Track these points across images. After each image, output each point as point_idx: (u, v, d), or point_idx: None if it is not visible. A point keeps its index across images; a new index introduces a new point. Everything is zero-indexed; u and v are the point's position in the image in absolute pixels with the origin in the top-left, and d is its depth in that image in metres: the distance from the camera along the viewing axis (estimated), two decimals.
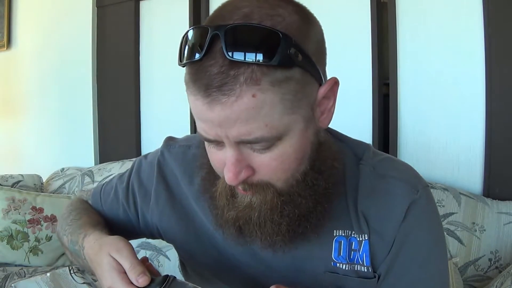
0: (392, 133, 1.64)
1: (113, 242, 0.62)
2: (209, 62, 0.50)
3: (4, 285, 1.61)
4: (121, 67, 2.29)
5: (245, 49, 0.48)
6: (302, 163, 0.57)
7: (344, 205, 0.65)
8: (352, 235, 0.64)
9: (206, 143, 0.58)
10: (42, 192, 2.12)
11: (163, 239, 0.79)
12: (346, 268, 0.64)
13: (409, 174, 0.67)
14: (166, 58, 2.11)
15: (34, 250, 1.84)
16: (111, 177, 0.87)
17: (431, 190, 0.68)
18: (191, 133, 2.04)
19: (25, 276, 1.66)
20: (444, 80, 1.54)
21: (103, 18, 2.35)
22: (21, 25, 2.67)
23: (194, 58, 0.50)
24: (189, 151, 0.74)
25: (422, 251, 0.63)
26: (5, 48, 2.70)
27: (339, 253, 0.64)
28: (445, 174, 1.54)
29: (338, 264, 0.64)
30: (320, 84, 0.55)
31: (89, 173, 2.13)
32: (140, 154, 2.24)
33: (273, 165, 0.55)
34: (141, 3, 2.25)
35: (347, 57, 1.70)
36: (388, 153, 1.48)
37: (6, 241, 1.82)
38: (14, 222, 1.84)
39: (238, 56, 0.48)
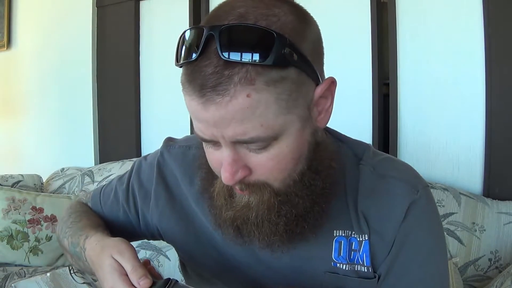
0: (392, 133, 1.64)
1: (115, 244, 0.62)
2: (204, 63, 0.50)
3: (4, 285, 1.61)
4: (121, 67, 2.29)
5: (239, 49, 0.48)
6: (299, 163, 0.57)
7: (344, 205, 0.65)
8: (352, 235, 0.64)
9: (203, 143, 0.58)
10: (42, 192, 2.12)
11: (163, 240, 0.79)
12: (346, 268, 0.64)
13: (409, 174, 0.66)
14: (166, 58, 2.11)
15: (34, 250, 1.84)
16: (110, 179, 0.87)
17: (431, 190, 0.68)
18: (191, 133, 2.04)
19: (25, 276, 1.66)
20: (444, 80, 1.54)
21: (103, 18, 2.35)
22: (21, 25, 2.67)
23: (190, 58, 0.51)
24: (189, 152, 0.74)
25: (422, 251, 0.63)
26: (5, 48, 2.70)
27: (339, 253, 0.64)
28: (445, 174, 1.54)
29: (338, 265, 0.64)
30: (317, 84, 0.55)
31: (89, 173, 2.13)
32: (140, 154, 2.24)
33: (270, 165, 0.55)
34: (141, 3, 2.25)
35: (347, 57, 1.70)
36: (388, 153, 1.48)
37: (6, 241, 1.82)
38: (14, 222, 1.84)
39: (233, 56, 0.48)
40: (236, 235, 0.62)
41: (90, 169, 2.17)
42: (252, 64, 0.48)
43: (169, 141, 0.78)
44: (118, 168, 2.03)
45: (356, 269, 0.64)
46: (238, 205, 0.59)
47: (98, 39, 2.36)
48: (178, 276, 1.62)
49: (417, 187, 0.64)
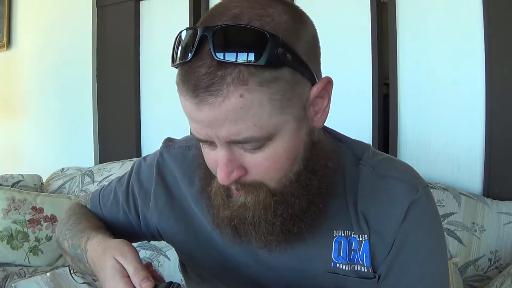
0: (392, 133, 1.64)
1: (118, 246, 0.62)
2: (197, 63, 0.50)
3: (4, 285, 1.61)
4: (121, 67, 2.29)
5: (232, 50, 0.49)
6: (295, 163, 0.57)
7: (343, 205, 0.65)
8: (352, 235, 0.64)
9: (200, 143, 0.58)
10: (42, 192, 2.12)
11: (164, 240, 0.79)
12: (346, 269, 0.64)
13: (409, 174, 0.66)
14: (166, 58, 2.08)
15: (34, 250, 1.84)
16: (110, 179, 0.87)
17: (431, 190, 0.68)
18: (190, 133, 2.03)
19: (25, 276, 1.66)
20: (444, 80, 1.54)
21: (103, 18, 2.35)
22: (21, 25, 2.67)
23: (184, 59, 0.51)
24: (188, 152, 0.74)
25: (422, 251, 0.63)
26: (5, 48, 2.70)
27: (339, 253, 0.64)
28: (445, 174, 1.54)
29: (338, 265, 0.64)
30: (313, 84, 0.55)
31: (89, 173, 2.13)
32: (140, 154, 2.24)
33: (265, 165, 0.55)
34: (141, 3, 2.25)
35: (347, 57, 1.70)
36: (388, 153, 1.48)
37: (6, 241, 1.82)
38: (14, 222, 1.84)
39: (225, 56, 0.48)
40: (234, 235, 0.62)
41: (90, 169, 2.17)
42: (245, 64, 0.49)
43: (169, 142, 0.78)
44: (118, 168, 2.03)
45: (356, 269, 0.64)
46: (235, 205, 0.59)
47: (98, 39, 2.36)
48: (178, 276, 1.62)
49: (417, 187, 0.64)
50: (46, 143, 2.60)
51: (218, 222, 0.63)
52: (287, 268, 0.67)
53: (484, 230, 1.32)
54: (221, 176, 0.54)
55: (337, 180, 0.64)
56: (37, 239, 1.85)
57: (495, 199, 1.40)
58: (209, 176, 0.63)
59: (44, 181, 2.24)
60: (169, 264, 1.67)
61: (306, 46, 0.54)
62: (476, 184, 1.50)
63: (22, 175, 2.14)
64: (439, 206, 1.36)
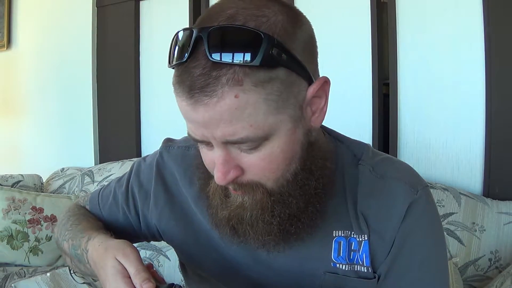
0: (392, 133, 1.64)
1: (120, 246, 0.62)
2: (193, 64, 0.50)
3: (4, 285, 1.61)
4: (121, 67, 2.29)
5: (226, 50, 0.49)
6: (292, 163, 0.57)
7: (343, 205, 0.65)
8: (352, 236, 0.64)
9: (197, 143, 0.58)
10: (42, 192, 2.12)
11: (164, 241, 0.79)
12: (346, 269, 0.64)
13: (409, 174, 0.66)
14: (166, 58, 2.10)
15: (34, 250, 1.84)
16: (110, 179, 0.87)
17: (431, 190, 0.68)
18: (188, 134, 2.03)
19: (25, 276, 1.66)
20: (444, 80, 1.54)
21: (103, 18, 2.35)
22: (21, 25, 2.67)
23: (180, 60, 0.51)
24: (188, 152, 0.74)
25: (422, 251, 0.63)
26: (5, 48, 2.70)
27: (338, 253, 0.64)
28: (445, 174, 1.54)
29: (337, 265, 0.64)
30: (310, 84, 0.55)
31: (89, 173, 2.13)
32: (140, 155, 2.24)
33: (262, 165, 0.55)
34: (141, 3, 2.25)
35: (347, 57, 1.70)
36: (388, 153, 1.48)
37: (6, 241, 1.82)
38: (14, 222, 1.84)
39: (220, 57, 0.49)
40: (232, 235, 0.62)
41: (90, 169, 2.17)
42: (240, 65, 0.49)
43: (168, 142, 0.78)
44: (118, 168, 2.03)
45: (355, 270, 0.64)
46: (232, 205, 0.60)
47: (98, 39, 2.36)
48: (178, 276, 1.62)
49: (417, 187, 0.64)
50: (46, 143, 2.60)
51: (217, 222, 0.63)
52: (287, 268, 0.67)
53: (484, 230, 1.32)
54: (218, 176, 0.55)
55: (336, 180, 0.64)
56: (37, 239, 1.85)
57: (495, 199, 1.40)
58: (208, 176, 0.63)
59: (44, 181, 2.24)
60: (169, 264, 1.67)
61: (302, 46, 0.54)
62: (476, 184, 1.50)
63: (22, 175, 2.14)
64: (439, 206, 1.36)
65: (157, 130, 2.22)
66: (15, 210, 1.86)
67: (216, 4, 0.55)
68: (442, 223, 1.33)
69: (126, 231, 0.79)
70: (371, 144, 1.36)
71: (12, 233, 1.83)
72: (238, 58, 0.49)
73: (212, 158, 0.56)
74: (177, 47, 0.53)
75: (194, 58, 0.50)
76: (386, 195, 0.64)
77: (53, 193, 2.13)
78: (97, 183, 2.04)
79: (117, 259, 0.60)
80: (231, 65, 0.49)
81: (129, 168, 0.82)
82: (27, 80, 2.65)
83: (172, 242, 0.77)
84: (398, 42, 1.62)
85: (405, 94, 1.62)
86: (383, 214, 0.63)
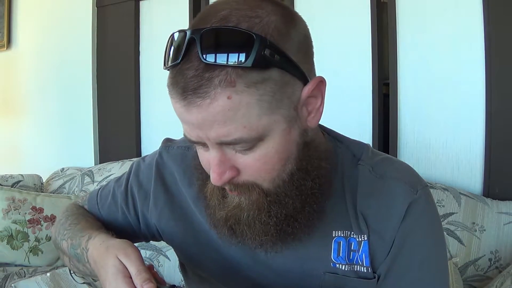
0: (392, 133, 1.64)
1: (122, 246, 0.62)
2: (186, 66, 0.51)
3: (4, 285, 1.61)
4: (121, 67, 2.29)
5: (218, 52, 0.49)
6: (288, 163, 0.57)
7: (343, 205, 0.65)
8: (351, 236, 0.64)
9: (194, 144, 0.58)
10: (42, 192, 2.12)
11: (163, 241, 0.79)
12: (346, 269, 0.64)
13: (408, 174, 0.66)
14: None
15: (34, 250, 1.84)
16: (110, 179, 0.86)
17: (431, 190, 0.68)
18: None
19: (25, 276, 1.66)
20: (444, 80, 1.54)
21: (103, 18, 2.35)
22: (21, 25, 2.67)
23: (174, 62, 0.52)
24: (188, 152, 0.74)
25: (422, 251, 0.63)
26: (5, 48, 2.70)
27: (338, 253, 0.64)
28: (445, 174, 1.54)
29: (337, 265, 0.64)
30: (305, 84, 0.55)
31: (89, 173, 2.13)
32: (140, 154, 2.24)
33: (257, 165, 0.55)
34: (141, 3, 2.25)
35: (347, 57, 1.70)
36: (388, 153, 1.48)
37: (6, 241, 1.82)
38: (14, 222, 1.84)
39: (213, 58, 0.49)
40: (230, 235, 0.62)
41: (90, 169, 2.17)
42: (232, 66, 0.49)
43: (168, 142, 0.78)
44: (118, 168, 2.03)
45: (355, 270, 0.64)
46: (230, 205, 0.60)
47: (98, 39, 2.36)
48: (178, 276, 1.62)
49: (416, 187, 0.64)
50: (46, 143, 2.60)
51: (215, 222, 0.63)
52: (286, 268, 0.67)
53: (484, 230, 1.32)
54: (214, 177, 0.55)
55: (336, 180, 0.64)
56: (37, 239, 1.85)
57: (495, 199, 1.40)
58: (206, 176, 0.63)
59: (44, 181, 2.24)
60: (169, 264, 1.67)
61: (297, 46, 0.54)
62: (476, 184, 1.50)
63: (22, 175, 2.14)
64: (439, 206, 1.36)
65: (157, 130, 2.22)
66: (15, 210, 1.86)
67: (210, 5, 0.56)
68: (442, 223, 1.33)
69: (125, 231, 0.78)
70: (371, 144, 1.36)
71: (12, 233, 1.83)
72: (231, 59, 0.49)
73: (208, 158, 0.57)
74: (172, 49, 0.53)
75: (187, 60, 0.51)
76: (386, 195, 0.64)
77: (53, 193, 2.13)
78: (97, 183, 2.04)
79: (118, 258, 0.60)
80: (224, 66, 0.49)
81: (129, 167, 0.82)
82: (27, 80, 2.65)
83: (172, 242, 0.77)
84: (398, 42, 1.62)
85: (405, 94, 1.62)
86: (383, 214, 0.63)
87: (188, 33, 0.51)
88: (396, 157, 1.59)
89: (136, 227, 0.78)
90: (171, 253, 1.66)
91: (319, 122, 0.63)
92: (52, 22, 2.52)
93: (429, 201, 0.65)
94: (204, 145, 0.56)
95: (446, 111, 1.54)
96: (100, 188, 0.84)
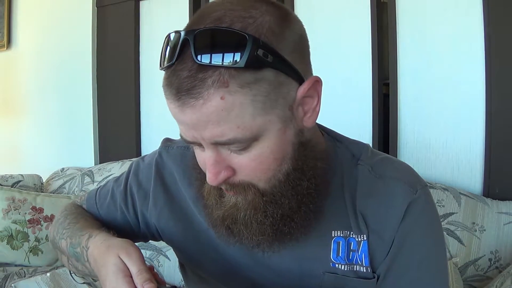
0: (392, 133, 1.64)
1: (123, 245, 0.62)
2: (180, 66, 0.51)
3: (4, 285, 1.61)
4: (121, 67, 2.29)
5: (212, 52, 0.49)
6: (283, 163, 0.57)
7: (342, 205, 0.64)
8: (351, 236, 0.64)
9: (190, 144, 0.59)
10: (42, 192, 2.12)
11: (163, 240, 0.79)
12: (345, 269, 0.64)
13: (408, 174, 0.66)
14: None
15: (34, 250, 1.84)
16: (106, 180, 0.86)
17: (431, 190, 0.68)
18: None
19: (25, 276, 1.66)
20: (444, 80, 1.54)
21: (103, 18, 2.35)
22: (21, 25, 2.67)
23: (168, 63, 0.52)
24: (187, 152, 0.74)
25: (422, 251, 0.63)
26: (5, 48, 2.70)
27: (337, 253, 0.64)
28: (445, 174, 1.54)
29: (337, 265, 0.64)
30: (301, 84, 0.55)
31: (89, 173, 2.13)
32: (140, 154, 2.24)
33: (252, 165, 0.55)
34: (141, 3, 2.25)
35: (347, 57, 1.70)
36: (388, 153, 1.48)
37: (6, 241, 1.82)
38: (14, 222, 1.84)
39: (206, 59, 0.49)
40: (228, 235, 0.62)
41: (90, 169, 2.17)
42: (225, 67, 0.49)
43: (167, 142, 0.78)
44: (118, 168, 2.03)
45: (355, 270, 0.64)
46: (226, 205, 0.60)
47: (98, 39, 2.36)
48: (178, 276, 1.62)
49: (416, 187, 0.64)
50: (46, 143, 2.60)
51: (212, 222, 0.63)
52: (286, 268, 0.67)
53: (484, 230, 1.32)
54: (209, 177, 0.55)
55: (335, 180, 0.64)
56: (37, 239, 1.85)
57: (495, 199, 1.40)
58: (204, 176, 0.63)
59: (44, 181, 2.24)
60: (169, 264, 1.67)
61: (292, 46, 0.54)
62: (476, 184, 1.50)
63: (22, 175, 2.14)
64: (439, 206, 1.36)
65: (157, 130, 2.22)
66: (15, 210, 1.86)
67: (205, 6, 0.56)
68: (442, 223, 1.33)
69: (124, 231, 0.78)
70: (371, 144, 1.36)
71: (12, 233, 1.83)
72: (224, 60, 0.49)
73: (204, 158, 0.57)
74: (167, 50, 0.53)
75: (181, 60, 0.51)
76: (385, 195, 0.64)
77: (53, 193, 2.13)
78: (97, 183, 2.04)
79: (119, 257, 0.60)
80: (217, 67, 0.49)
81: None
82: (27, 80, 2.65)
83: (171, 242, 0.77)
84: (398, 42, 1.62)
85: (405, 94, 1.62)
86: (382, 214, 0.63)
87: (182, 34, 0.51)
88: (396, 157, 1.59)
89: (135, 227, 0.78)
90: (171, 253, 1.66)
91: (318, 122, 0.63)
92: (52, 22, 2.52)
93: (429, 201, 0.65)
94: (200, 145, 0.56)
95: (446, 111, 1.54)
96: (98, 188, 0.84)
